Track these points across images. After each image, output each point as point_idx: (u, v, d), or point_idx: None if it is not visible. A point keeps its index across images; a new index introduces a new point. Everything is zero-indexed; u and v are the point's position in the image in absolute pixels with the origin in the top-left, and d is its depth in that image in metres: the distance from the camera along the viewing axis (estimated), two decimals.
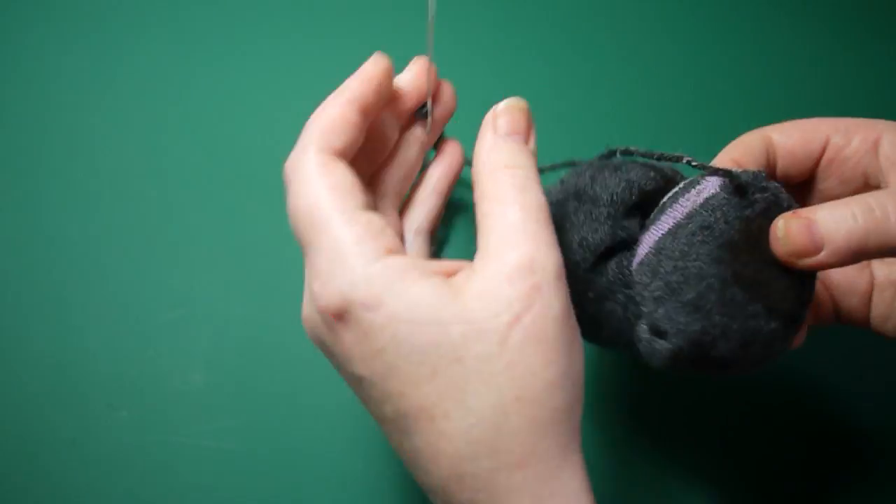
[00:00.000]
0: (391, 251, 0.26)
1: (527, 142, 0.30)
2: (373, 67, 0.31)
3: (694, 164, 0.31)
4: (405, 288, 0.25)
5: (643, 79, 0.54)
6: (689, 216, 0.31)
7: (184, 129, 0.50)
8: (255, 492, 0.41)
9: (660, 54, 0.55)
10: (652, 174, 0.33)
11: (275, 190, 0.48)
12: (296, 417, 0.42)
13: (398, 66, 0.52)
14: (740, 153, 0.34)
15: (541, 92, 0.53)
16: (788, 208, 0.31)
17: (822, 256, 0.29)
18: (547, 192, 0.35)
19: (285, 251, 0.47)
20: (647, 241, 0.32)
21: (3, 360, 0.43)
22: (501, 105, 0.30)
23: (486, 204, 0.27)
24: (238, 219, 0.48)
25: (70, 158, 0.49)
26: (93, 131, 0.50)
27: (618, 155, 0.34)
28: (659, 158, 0.33)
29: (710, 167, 0.31)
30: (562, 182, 0.36)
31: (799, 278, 0.31)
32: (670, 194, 0.32)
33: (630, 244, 0.33)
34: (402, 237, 0.35)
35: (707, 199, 0.31)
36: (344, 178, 0.28)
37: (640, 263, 0.32)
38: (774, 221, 0.30)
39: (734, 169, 0.31)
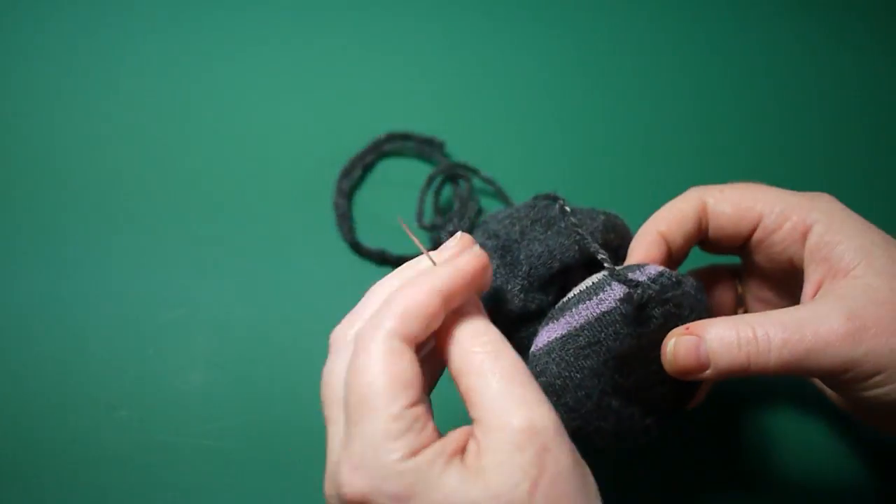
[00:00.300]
0: (426, 445, 0.27)
1: (480, 312, 0.31)
2: (471, 264, 0.30)
3: (606, 265, 0.33)
4: (434, 479, 0.26)
5: (644, 91, 0.54)
6: (583, 327, 0.32)
7: (186, 131, 0.50)
8: (256, 492, 0.41)
9: (661, 63, 0.55)
10: (576, 247, 0.35)
11: (276, 191, 0.49)
12: (295, 417, 0.42)
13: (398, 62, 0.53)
14: (672, 223, 0.35)
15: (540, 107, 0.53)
16: (690, 315, 0.33)
17: (707, 374, 0.31)
18: (484, 226, 0.36)
19: (285, 252, 0.47)
20: (543, 337, 0.33)
21: (4, 360, 0.43)
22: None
23: (467, 378, 0.28)
24: (238, 219, 0.48)
25: (71, 159, 0.49)
26: (94, 131, 0.50)
27: (557, 209, 0.36)
28: (580, 240, 0.34)
29: (619, 274, 0.32)
30: (499, 218, 0.37)
31: (683, 383, 0.33)
32: (575, 293, 0.33)
33: (540, 314, 0.35)
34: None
35: (603, 314, 0.32)
36: (407, 369, 0.27)
37: (534, 354, 0.33)
38: (665, 340, 0.32)
39: (642, 277, 0.32)
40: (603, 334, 0.32)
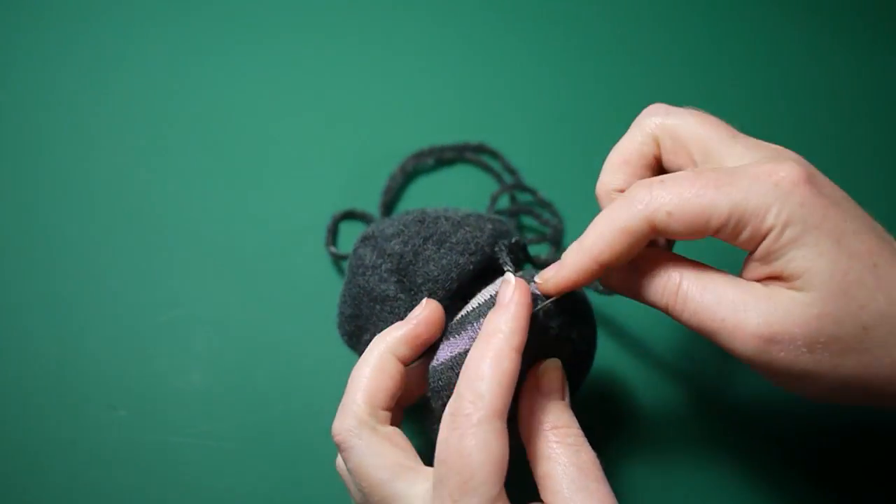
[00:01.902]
0: None
1: (564, 398, 0.32)
2: (521, 302, 0.31)
3: (506, 268, 0.34)
4: None
5: (642, 80, 0.54)
6: None
7: (184, 130, 0.50)
8: (255, 492, 0.41)
9: (661, 57, 0.55)
10: (470, 264, 0.35)
11: (276, 190, 0.49)
12: (295, 417, 0.42)
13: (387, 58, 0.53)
14: (616, 254, 0.31)
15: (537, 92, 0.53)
16: (580, 324, 0.34)
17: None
18: (373, 242, 0.36)
19: (284, 252, 0.47)
20: (445, 351, 0.33)
21: (4, 360, 0.43)
22: (542, 367, 0.33)
23: (545, 464, 0.30)
24: (238, 219, 0.48)
25: (70, 159, 0.49)
26: (93, 131, 0.50)
27: (443, 221, 0.36)
28: (498, 247, 0.35)
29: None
30: (387, 235, 0.36)
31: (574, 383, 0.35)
32: (475, 306, 0.34)
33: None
34: None
35: None
36: (506, 453, 0.29)
37: (435, 368, 0.34)
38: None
39: (538, 288, 0.33)
40: None
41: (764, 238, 0.29)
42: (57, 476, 0.41)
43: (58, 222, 0.47)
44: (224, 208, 0.48)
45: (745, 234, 0.30)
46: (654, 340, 0.45)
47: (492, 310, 0.31)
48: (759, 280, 0.30)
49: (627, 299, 0.33)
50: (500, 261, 0.35)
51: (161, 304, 0.45)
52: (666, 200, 0.30)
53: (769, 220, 0.29)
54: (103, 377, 0.43)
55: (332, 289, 0.46)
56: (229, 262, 0.46)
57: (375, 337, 0.34)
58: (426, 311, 0.33)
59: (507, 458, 0.29)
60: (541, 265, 0.35)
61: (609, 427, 0.42)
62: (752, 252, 0.30)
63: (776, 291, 0.29)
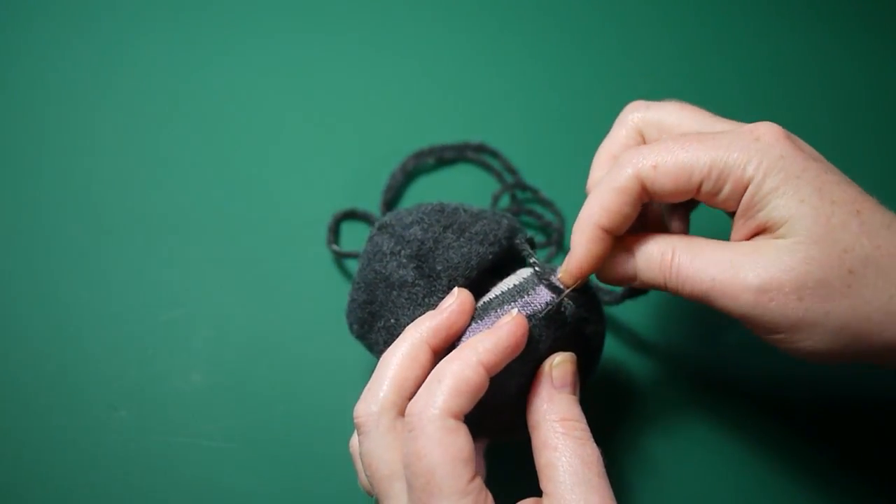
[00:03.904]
0: None
1: (574, 393, 0.33)
2: (514, 335, 0.31)
3: (536, 269, 0.34)
4: None
5: (642, 80, 0.54)
6: None
7: (184, 130, 0.51)
8: (256, 491, 0.41)
9: (660, 56, 0.55)
10: (490, 254, 0.35)
11: (275, 191, 0.49)
12: (295, 417, 0.42)
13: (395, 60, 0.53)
14: (613, 215, 0.33)
15: (539, 91, 0.53)
16: (592, 317, 0.35)
17: (636, 284, 0.34)
18: (390, 230, 0.36)
19: (285, 251, 0.47)
20: (467, 335, 0.33)
21: (4, 360, 0.43)
22: (557, 359, 0.33)
23: (549, 453, 0.31)
24: (238, 219, 0.48)
25: (70, 159, 0.49)
26: (93, 132, 0.50)
27: (461, 212, 0.36)
28: (519, 237, 0.36)
29: (547, 279, 0.33)
30: (406, 223, 0.36)
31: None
32: (499, 293, 0.34)
33: None
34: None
35: (529, 317, 0.33)
36: (464, 446, 0.29)
37: None
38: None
39: (559, 282, 0.34)
40: (528, 336, 0.32)
41: (745, 190, 0.31)
42: (57, 476, 0.41)
43: (58, 222, 0.47)
44: (224, 208, 0.48)
45: (727, 189, 0.31)
46: (651, 336, 0.45)
47: (484, 331, 0.32)
48: (746, 238, 0.32)
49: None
50: (525, 252, 0.35)
51: (161, 304, 0.45)
52: (652, 157, 0.32)
53: (749, 171, 0.30)
54: (103, 377, 0.43)
55: (332, 288, 0.46)
56: (229, 261, 0.46)
57: (408, 326, 0.33)
58: (459, 300, 0.33)
59: (469, 449, 0.29)
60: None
61: (607, 424, 0.42)
62: (735, 211, 0.31)
63: (762, 243, 0.30)
